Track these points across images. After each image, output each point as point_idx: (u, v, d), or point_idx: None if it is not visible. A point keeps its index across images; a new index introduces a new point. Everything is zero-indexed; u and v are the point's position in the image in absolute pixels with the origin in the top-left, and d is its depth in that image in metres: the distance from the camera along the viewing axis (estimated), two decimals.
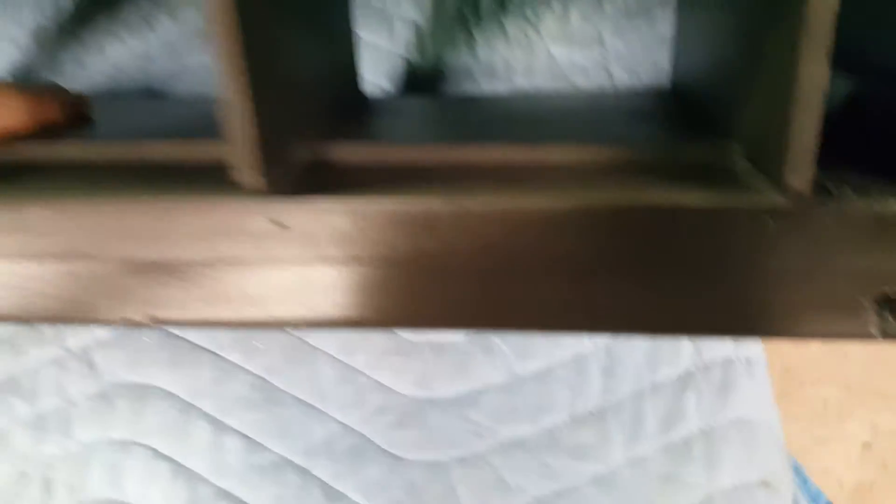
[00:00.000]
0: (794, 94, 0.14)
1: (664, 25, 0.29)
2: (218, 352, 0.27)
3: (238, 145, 0.16)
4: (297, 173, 0.18)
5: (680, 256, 0.16)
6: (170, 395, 0.27)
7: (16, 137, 0.21)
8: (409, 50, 0.31)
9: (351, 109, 0.24)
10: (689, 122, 0.22)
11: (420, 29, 0.31)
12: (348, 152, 0.19)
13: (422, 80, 0.31)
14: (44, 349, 0.28)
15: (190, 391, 0.27)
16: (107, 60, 0.33)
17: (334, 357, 0.27)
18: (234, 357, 0.27)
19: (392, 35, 0.31)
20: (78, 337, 0.28)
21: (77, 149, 0.20)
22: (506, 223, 0.16)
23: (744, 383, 0.26)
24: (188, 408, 0.27)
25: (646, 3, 0.30)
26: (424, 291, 0.16)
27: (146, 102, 0.31)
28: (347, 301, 0.17)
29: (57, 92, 0.23)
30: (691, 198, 0.15)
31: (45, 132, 0.21)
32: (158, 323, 0.18)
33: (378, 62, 0.31)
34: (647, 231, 0.16)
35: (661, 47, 0.29)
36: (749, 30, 0.17)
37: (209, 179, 0.17)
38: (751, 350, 0.27)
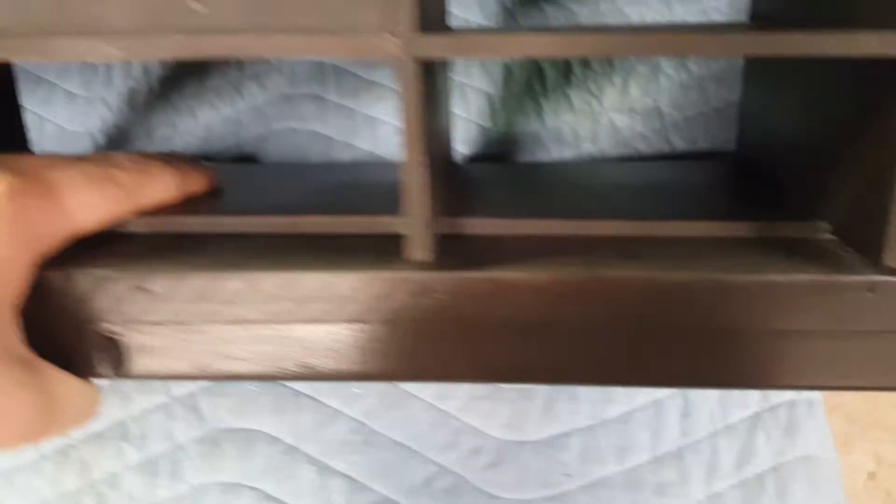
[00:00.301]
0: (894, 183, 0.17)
1: (722, 96, 0.32)
2: (318, 398, 0.29)
3: (415, 221, 0.18)
4: (451, 246, 0.20)
5: (779, 323, 0.18)
6: (275, 440, 0.29)
7: (167, 208, 0.23)
8: (482, 118, 0.34)
9: (450, 177, 0.27)
10: (757, 191, 0.25)
11: (492, 99, 0.34)
12: (477, 225, 0.21)
13: (495, 146, 0.34)
14: (151, 396, 0.30)
15: (294, 435, 0.29)
16: (198, 124, 0.36)
17: (428, 402, 0.29)
18: (333, 402, 0.29)
19: (467, 104, 0.34)
20: (183, 385, 0.30)
21: (243, 221, 0.22)
22: (638, 291, 0.18)
23: (807, 423, 0.28)
24: (293, 451, 0.28)
25: (700, 77, 0.33)
26: (573, 351, 0.19)
27: (252, 168, 0.33)
28: (519, 361, 0.19)
29: (192, 161, 0.26)
30: (794, 274, 0.18)
31: (189, 202, 0.24)
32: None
33: (456, 130, 0.33)
34: (756, 300, 0.18)
35: (719, 117, 0.32)
36: (835, 110, 0.20)
37: (372, 251, 0.20)
38: (811, 393, 0.29)
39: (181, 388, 0.30)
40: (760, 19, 0.27)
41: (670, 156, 0.34)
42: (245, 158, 0.35)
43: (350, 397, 0.29)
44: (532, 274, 0.18)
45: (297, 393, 0.29)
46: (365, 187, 0.28)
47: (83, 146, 0.36)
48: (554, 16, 0.36)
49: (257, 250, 0.21)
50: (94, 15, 0.17)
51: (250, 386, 0.29)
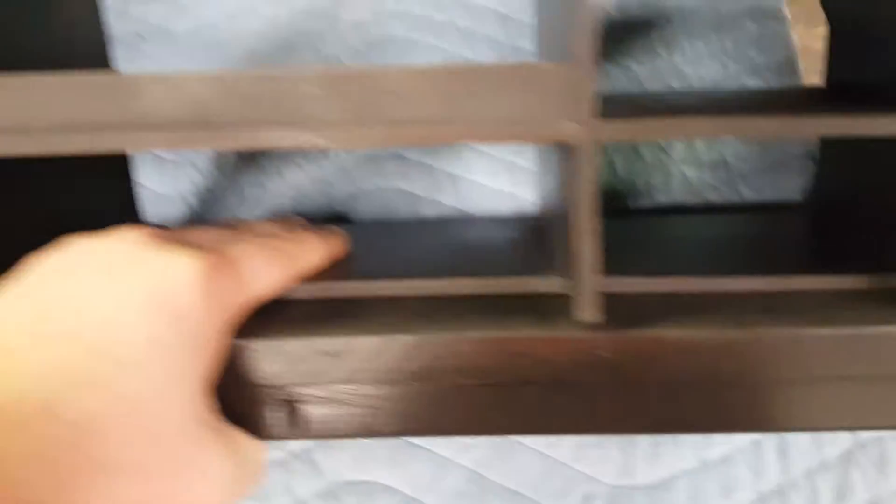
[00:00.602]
0: None
1: (789, 149, 0.35)
2: (431, 448, 0.30)
3: (586, 283, 0.20)
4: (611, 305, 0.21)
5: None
6: (394, 491, 0.30)
7: (319, 274, 0.24)
8: None
9: None
10: (830, 241, 0.27)
11: None
12: (624, 284, 0.23)
13: None
14: (269, 452, 0.30)
15: (412, 486, 0.30)
16: (287, 184, 0.37)
17: (539, 451, 0.30)
18: (446, 453, 0.30)
19: None
20: (299, 440, 0.31)
21: (400, 285, 0.23)
22: (786, 345, 0.20)
23: None
24: (412, 502, 0.29)
25: None
26: (726, 403, 0.20)
27: (356, 227, 0.34)
28: (674, 414, 0.20)
29: (326, 226, 0.27)
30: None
31: (336, 266, 0.25)
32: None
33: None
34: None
35: (786, 168, 0.35)
36: None
37: (530, 312, 0.21)
38: None
39: (298, 444, 0.30)
40: (833, 86, 0.30)
41: (740, 206, 0.36)
42: (337, 217, 0.37)
43: (461, 447, 0.30)
44: (692, 333, 0.20)
45: (411, 444, 0.30)
46: (480, 244, 0.29)
47: (176, 209, 0.37)
48: (615, 75, 0.39)
49: (418, 311, 0.22)
50: (302, 108, 0.19)
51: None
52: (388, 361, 0.21)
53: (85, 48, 0.28)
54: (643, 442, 0.30)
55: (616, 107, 0.18)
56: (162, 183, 0.37)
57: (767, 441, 0.30)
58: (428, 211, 0.37)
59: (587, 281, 0.19)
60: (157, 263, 0.19)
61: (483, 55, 0.39)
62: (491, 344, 0.20)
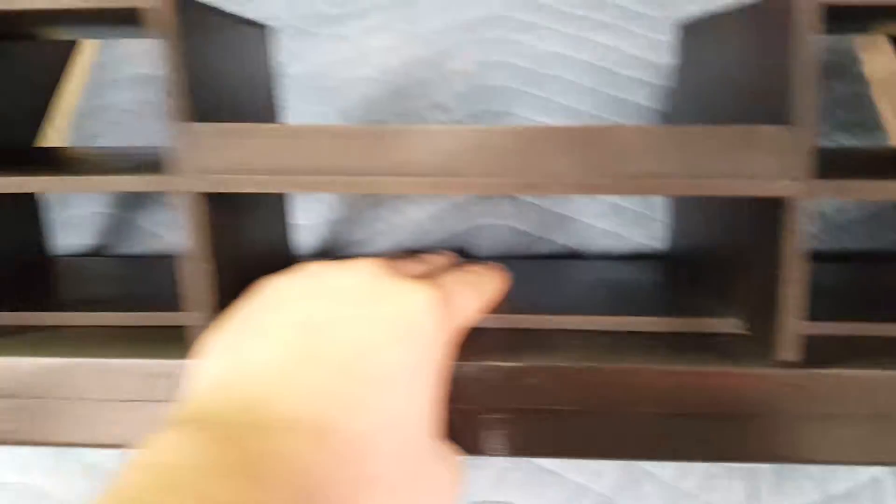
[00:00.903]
0: None
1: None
2: (563, 474, 0.32)
3: (788, 326, 0.22)
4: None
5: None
6: None
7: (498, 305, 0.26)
8: None
9: None
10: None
11: None
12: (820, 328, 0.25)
13: None
14: None
15: None
16: (408, 219, 0.40)
17: (666, 482, 0.32)
18: (578, 479, 0.32)
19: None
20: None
21: (579, 319, 0.25)
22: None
23: None
24: None
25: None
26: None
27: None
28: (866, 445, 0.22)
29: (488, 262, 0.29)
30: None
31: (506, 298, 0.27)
32: None
33: None
34: None
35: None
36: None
37: (706, 350, 0.23)
38: None
39: None
40: None
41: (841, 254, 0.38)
42: (456, 251, 0.39)
43: (593, 474, 0.32)
44: (877, 372, 0.22)
45: (543, 469, 0.32)
46: (617, 282, 0.32)
47: (312, 238, 0.39)
48: None
49: (603, 345, 0.24)
50: (406, 158, 0.21)
51: (503, 462, 0.32)
52: (577, 387, 0.23)
53: (258, 93, 0.31)
54: (766, 472, 0.32)
55: (827, 165, 0.21)
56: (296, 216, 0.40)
57: (886, 477, 0.32)
58: (541, 248, 0.39)
59: (791, 324, 0.21)
60: (399, 294, 0.21)
61: (584, 108, 0.42)
62: (686, 377, 0.22)
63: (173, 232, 0.40)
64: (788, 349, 0.22)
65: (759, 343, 0.23)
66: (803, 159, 0.20)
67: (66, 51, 0.42)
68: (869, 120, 0.41)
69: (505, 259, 0.39)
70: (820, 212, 0.39)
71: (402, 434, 0.20)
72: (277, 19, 0.44)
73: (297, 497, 0.16)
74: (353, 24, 0.46)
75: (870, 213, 0.38)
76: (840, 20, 0.24)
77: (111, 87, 0.45)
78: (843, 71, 0.43)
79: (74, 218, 0.40)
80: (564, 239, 0.39)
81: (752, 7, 0.24)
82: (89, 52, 0.46)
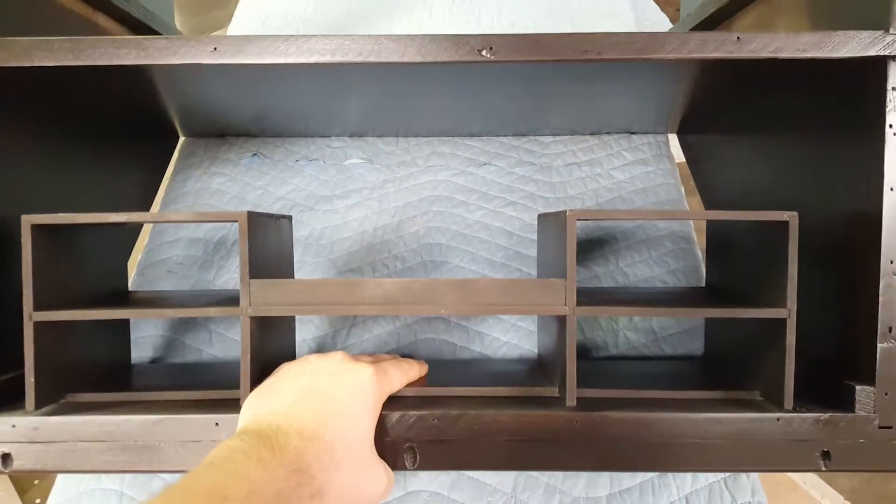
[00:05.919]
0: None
1: (691, 322, 0.57)
2: (481, 479, 0.47)
3: (569, 389, 0.39)
4: None
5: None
6: None
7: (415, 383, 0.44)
8: None
9: None
10: (718, 377, 0.48)
11: None
12: (588, 392, 0.43)
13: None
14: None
15: None
16: (370, 335, 0.58)
17: (551, 483, 0.47)
18: (491, 481, 0.47)
19: None
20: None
21: (464, 389, 0.43)
22: (667, 421, 0.40)
23: None
24: None
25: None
26: None
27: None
28: None
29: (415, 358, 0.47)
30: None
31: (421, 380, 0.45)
32: None
33: None
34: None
35: (692, 333, 0.56)
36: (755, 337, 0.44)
37: (535, 404, 0.41)
38: None
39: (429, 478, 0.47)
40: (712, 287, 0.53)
41: (661, 356, 0.57)
42: (405, 356, 0.56)
43: (496, 475, 0.48)
44: (625, 415, 0.39)
45: (463, 475, 0.48)
46: (503, 371, 0.49)
47: (307, 347, 0.57)
48: (582, 273, 0.61)
49: (476, 403, 0.41)
50: (366, 296, 0.40)
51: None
52: (466, 423, 0.40)
53: (284, 252, 0.50)
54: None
55: (587, 297, 0.40)
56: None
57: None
58: (463, 354, 0.57)
59: (571, 388, 0.39)
60: (354, 370, 0.39)
61: (498, 259, 0.62)
62: (519, 417, 0.39)
63: (210, 347, 0.58)
64: (569, 401, 0.39)
65: (559, 399, 0.40)
66: (571, 296, 0.39)
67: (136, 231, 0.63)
68: (691, 268, 0.61)
69: (437, 361, 0.56)
70: (650, 328, 0.57)
71: (355, 443, 0.37)
72: (290, 200, 0.65)
73: (296, 466, 0.33)
74: (339, 203, 0.67)
75: (684, 329, 0.57)
76: None
77: (168, 246, 0.64)
78: (676, 234, 0.63)
79: (141, 339, 0.58)
80: (480, 347, 0.57)
81: (554, 215, 0.44)
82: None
